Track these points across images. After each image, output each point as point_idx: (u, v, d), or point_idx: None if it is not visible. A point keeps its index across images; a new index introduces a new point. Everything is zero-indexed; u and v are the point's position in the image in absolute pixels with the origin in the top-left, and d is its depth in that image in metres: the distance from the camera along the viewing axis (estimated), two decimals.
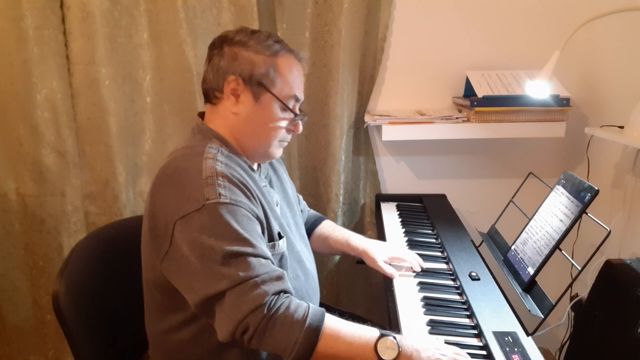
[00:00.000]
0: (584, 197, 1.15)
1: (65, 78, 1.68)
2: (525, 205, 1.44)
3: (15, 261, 1.82)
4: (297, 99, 1.12)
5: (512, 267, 1.29)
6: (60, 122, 1.70)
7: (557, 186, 1.30)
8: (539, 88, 1.52)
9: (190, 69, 1.67)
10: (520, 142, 1.90)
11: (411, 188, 1.95)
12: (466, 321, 1.11)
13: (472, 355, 0.97)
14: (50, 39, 1.63)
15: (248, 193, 1.01)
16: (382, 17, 1.75)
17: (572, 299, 1.46)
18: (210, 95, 1.10)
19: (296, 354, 0.89)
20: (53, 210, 1.76)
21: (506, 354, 0.97)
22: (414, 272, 1.31)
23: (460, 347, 0.98)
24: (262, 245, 0.98)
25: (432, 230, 1.59)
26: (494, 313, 1.11)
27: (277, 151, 1.14)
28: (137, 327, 1.17)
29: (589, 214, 1.15)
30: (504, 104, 1.69)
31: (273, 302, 0.91)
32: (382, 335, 0.93)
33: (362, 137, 1.87)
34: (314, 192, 1.87)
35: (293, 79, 1.09)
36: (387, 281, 1.28)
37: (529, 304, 1.13)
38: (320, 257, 1.66)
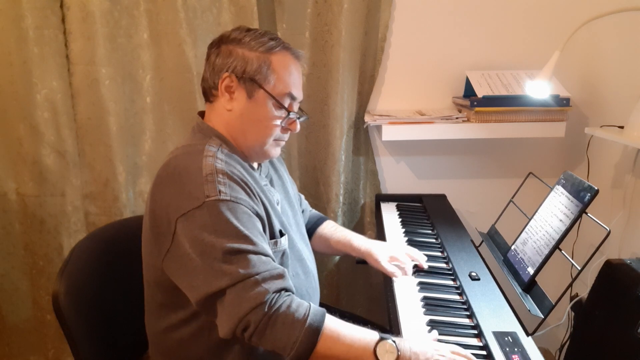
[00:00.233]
0: (583, 197, 1.15)
1: (65, 78, 1.68)
2: (525, 205, 1.44)
3: (15, 261, 1.82)
4: (292, 97, 1.10)
5: (512, 267, 1.29)
6: (60, 122, 1.69)
7: (557, 186, 1.30)
8: (539, 88, 1.53)
9: (190, 69, 1.67)
10: (520, 142, 1.90)
11: (411, 188, 1.95)
12: (466, 321, 1.11)
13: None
14: (50, 39, 1.63)
15: (248, 190, 1.00)
16: (382, 17, 1.75)
17: (572, 299, 1.46)
18: (208, 93, 1.10)
19: (296, 353, 0.89)
20: (53, 210, 1.76)
21: (506, 354, 0.96)
22: (417, 270, 1.31)
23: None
24: (263, 243, 0.98)
25: (432, 230, 1.59)
26: (494, 313, 1.11)
27: (274, 150, 1.13)
28: (137, 327, 1.17)
29: (588, 214, 1.14)
30: (504, 104, 1.69)
31: (274, 300, 0.91)
32: (381, 339, 0.93)
33: (362, 137, 1.87)
34: (314, 192, 1.87)
35: (288, 77, 1.08)
36: (387, 281, 1.27)
37: (529, 304, 1.13)
38: (320, 257, 1.66)
